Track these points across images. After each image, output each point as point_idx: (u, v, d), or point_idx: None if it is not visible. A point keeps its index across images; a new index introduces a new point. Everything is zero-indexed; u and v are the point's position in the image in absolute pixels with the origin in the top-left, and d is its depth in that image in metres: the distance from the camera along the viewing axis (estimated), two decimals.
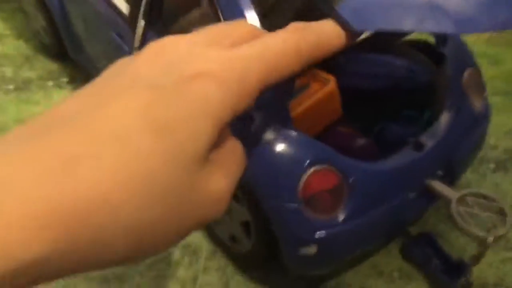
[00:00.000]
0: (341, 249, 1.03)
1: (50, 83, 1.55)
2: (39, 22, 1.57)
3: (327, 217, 0.98)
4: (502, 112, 1.64)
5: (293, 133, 0.97)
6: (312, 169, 0.96)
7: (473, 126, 1.19)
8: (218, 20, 0.98)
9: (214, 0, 1.00)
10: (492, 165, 1.47)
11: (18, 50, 1.67)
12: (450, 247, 1.25)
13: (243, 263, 1.17)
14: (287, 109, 0.99)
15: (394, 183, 1.05)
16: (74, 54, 1.51)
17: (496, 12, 0.79)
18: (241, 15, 0.97)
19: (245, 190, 1.01)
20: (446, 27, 0.79)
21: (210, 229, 1.20)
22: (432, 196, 1.13)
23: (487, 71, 1.82)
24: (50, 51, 1.63)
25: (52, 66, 1.62)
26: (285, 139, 0.96)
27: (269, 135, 0.96)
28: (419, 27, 0.81)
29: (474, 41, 1.93)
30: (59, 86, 1.55)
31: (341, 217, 0.99)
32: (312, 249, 0.98)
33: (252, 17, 0.96)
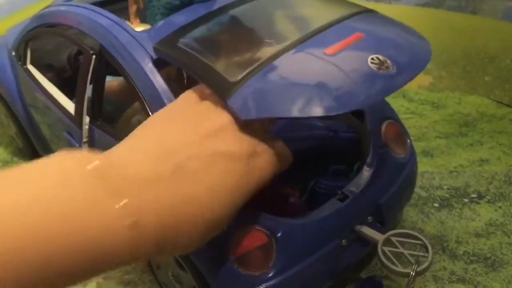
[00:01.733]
0: None
1: None
2: (12, 129, 1.74)
3: (259, 272, 1.08)
4: (446, 154, 1.75)
5: None
6: (240, 231, 1.07)
7: (397, 172, 1.30)
8: (146, 111, 1.13)
9: (142, 98, 1.15)
10: (436, 204, 1.56)
11: None
12: None
13: None
14: None
15: (321, 233, 1.15)
16: (45, 154, 1.68)
17: (372, 84, 1.01)
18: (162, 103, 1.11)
19: (186, 258, 1.12)
20: (329, 109, 1.00)
21: None
22: (367, 241, 1.22)
23: (430, 116, 1.96)
24: (25, 154, 1.79)
25: None
26: None
27: None
28: (304, 111, 1.03)
29: (416, 90, 2.08)
30: None
31: (273, 270, 1.08)
32: None
33: None
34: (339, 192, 1.23)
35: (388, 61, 0.89)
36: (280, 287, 1.09)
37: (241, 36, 1.10)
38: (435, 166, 1.70)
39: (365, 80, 0.89)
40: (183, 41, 1.06)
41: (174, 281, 1.24)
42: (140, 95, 1.14)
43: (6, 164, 1.80)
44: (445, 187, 1.62)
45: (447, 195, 1.59)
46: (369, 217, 1.25)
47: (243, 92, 0.79)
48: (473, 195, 1.58)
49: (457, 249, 1.42)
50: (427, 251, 1.18)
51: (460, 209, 1.54)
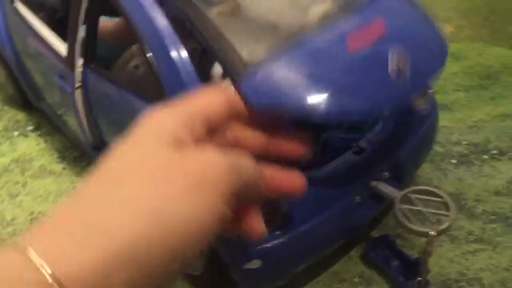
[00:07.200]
0: (287, 260, 1.04)
1: (16, 132, 1.61)
2: (1, 75, 1.64)
3: (267, 230, 0.99)
4: (465, 108, 1.65)
5: None
6: None
7: (416, 125, 1.20)
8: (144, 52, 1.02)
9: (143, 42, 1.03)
10: (454, 161, 1.46)
11: None
12: (411, 247, 1.24)
13: (199, 286, 1.18)
14: None
15: (333, 189, 1.06)
16: (36, 103, 1.57)
17: (389, 93, 0.87)
18: (168, 56, 0.99)
19: None
20: (345, 114, 0.84)
21: None
22: (382, 198, 1.13)
23: (450, 68, 1.83)
24: (16, 102, 1.69)
25: (19, 116, 1.68)
26: None
27: None
28: (321, 115, 0.85)
29: None
30: (24, 135, 1.61)
31: (282, 228, 1.00)
32: (255, 264, 0.99)
33: (181, 56, 0.98)
34: (354, 144, 1.14)
35: (406, 65, 0.93)
36: (289, 245, 1.01)
37: (261, 9, 1.04)
38: (454, 120, 1.60)
39: (383, 89, 0.92)
40: None
41: None
42: (139, 34, 1.02)
43: None
44: (464, 142, 1.52)
45: (465, 151, 1.49)
46: (385, 173, 1.16)
47: (259, 77, 0.71)
48: (493, 151, 1.49)
49: (475, 207, 1.34)
50: (448, 209, 1.09)
51: (479, 166, 1.45)
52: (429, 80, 1.04)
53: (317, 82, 0.88)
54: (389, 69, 0.93)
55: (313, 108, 0.83)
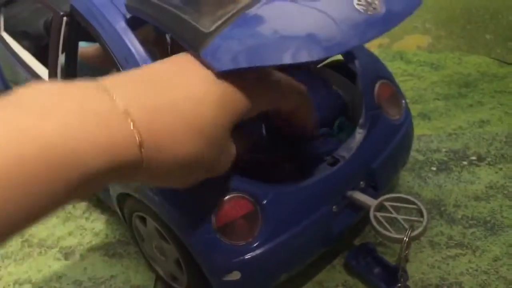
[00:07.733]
0: (266, 271, 1.06)
1: None
2: None
3: (244, 242, 1.02)
4: (444, 116, 1.68)
5: None
6: (223, 199, 1.02)
7: (391, 134, 1.23)
8: None
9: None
10: (434, 168, 1.49)
11: None
12: (393, 254, 1.27)
13: None
14: None
15: (310, 200, 1.09)
16: None
17: (360, 27, 0.88)
18: None
19: (168, 229, 1.07)
20: (317, 54, 0.88)
21: (155, 270, 1.25)
22: (359, 207, 1.16)
23: (429, 78, 1.88)
24: None
25: None
26: None
27: None
28: (292, 58, 0.90)
29: (415, 51, 2.00)
30: None
31: (258, 240, 1.03)
32: (235, 275, 1.02)
33: None
34: (329, 156, 1.17)
35: (376, 1, 0.82)
36: (267, 256, 1.04)
37: None
38: (433, 128, 1.63)
39: (354, 25, 0.76)
40: None
41: (158, 253, 1.19)
42: (115, 58, 1.07)
43: None
44: (443, 150, 1.55)
45: (445, 158, 1.53)
46: (361, 182, 1.19)
47: (218, 43, 0.72)
48: (472, 158, 1.52)
49: (455, 213, 1.36)
50: (422, 215, 1.12)
51: (459, 172, 1.48)
52: (409, 12, 0.84)
53: (286, 35, 0.79)
54: (355, 5, 0.82)
55: (292, 55, 0.75)
